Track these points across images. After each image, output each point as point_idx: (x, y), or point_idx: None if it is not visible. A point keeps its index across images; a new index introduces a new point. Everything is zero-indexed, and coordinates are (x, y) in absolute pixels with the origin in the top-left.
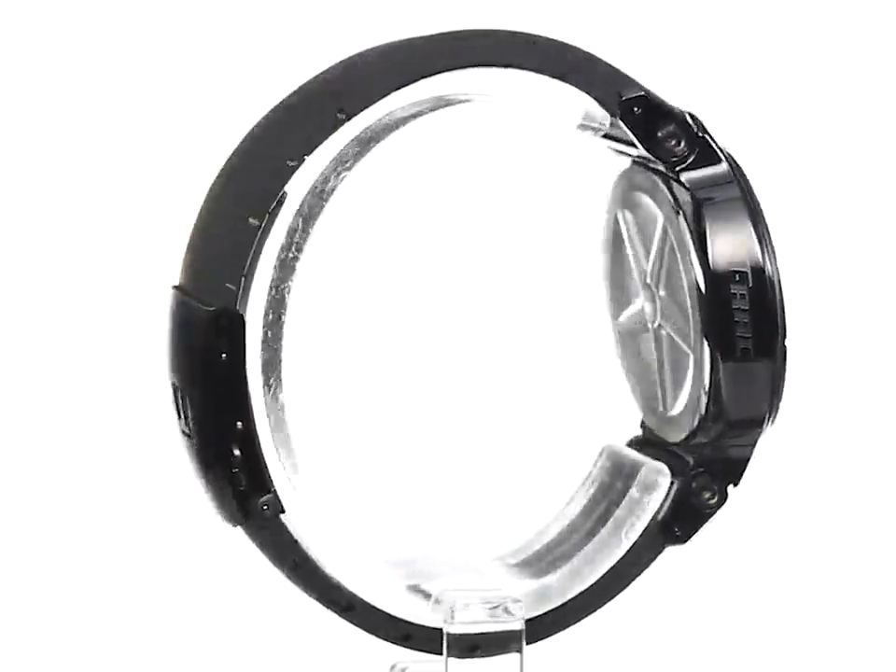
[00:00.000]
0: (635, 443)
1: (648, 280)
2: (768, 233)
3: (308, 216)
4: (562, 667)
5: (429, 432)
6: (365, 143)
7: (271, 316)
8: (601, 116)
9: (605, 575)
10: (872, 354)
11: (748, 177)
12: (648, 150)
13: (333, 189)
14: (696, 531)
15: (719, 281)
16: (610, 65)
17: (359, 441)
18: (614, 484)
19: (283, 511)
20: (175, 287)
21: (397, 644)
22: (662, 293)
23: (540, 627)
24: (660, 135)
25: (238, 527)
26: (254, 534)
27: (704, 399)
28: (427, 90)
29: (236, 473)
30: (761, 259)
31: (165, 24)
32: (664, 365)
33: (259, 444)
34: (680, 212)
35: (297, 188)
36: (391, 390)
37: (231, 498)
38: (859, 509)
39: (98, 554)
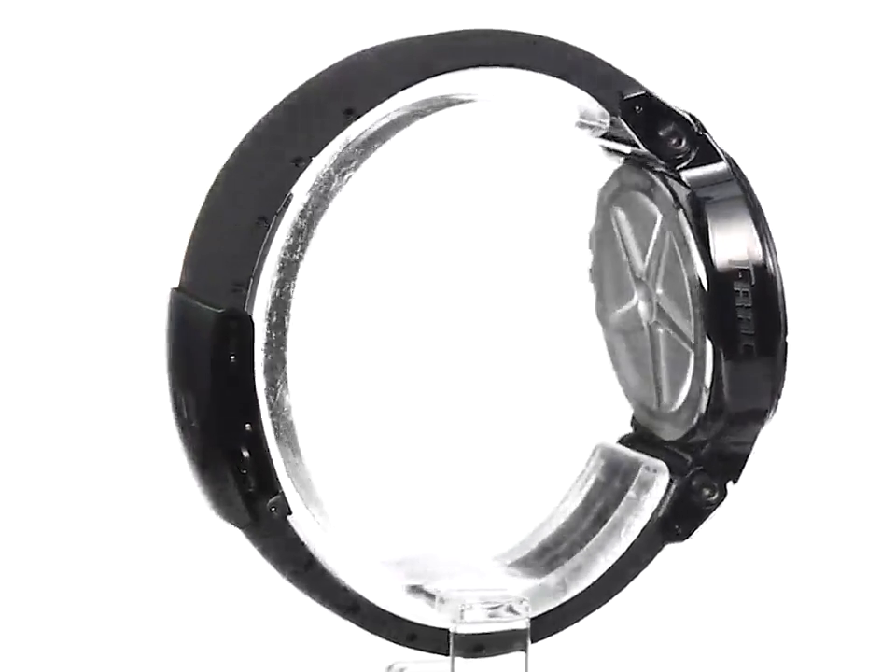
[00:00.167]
0: (626, 441)
1: (643, 278)
2: (769, 231)
3: (312, 216)
4: (564, 666)
5: (428, 432)
6: (369, 143)
7: (275, 318)
8: (599, 115)
9: (605, 573)
10: (870, 352)
11: (746, 176)
12: (649, 149)
13: (337, 190)
14: (696, 528)
15: (722, 279)
16: (610, 65)
17: (350, 439)
18: (611, 483)
19: (290, 513)
20: (177, 289)
21: (401, 644)
22: (659, 291)
23: (542, 626)
24: (661, 134)
25: (242, 529)
26: (261, 536)
27: (705, 397)
28: (432, 89)
29: (245, 475)
30: (763, 257)
31: (165, 24)
32: (659, 363)
33: (267, 446)
34: (681, 210)
35: (301, 188)
36: (388, 387)
37: (240, 501)
38: (857, 506)
39: (97, 557)
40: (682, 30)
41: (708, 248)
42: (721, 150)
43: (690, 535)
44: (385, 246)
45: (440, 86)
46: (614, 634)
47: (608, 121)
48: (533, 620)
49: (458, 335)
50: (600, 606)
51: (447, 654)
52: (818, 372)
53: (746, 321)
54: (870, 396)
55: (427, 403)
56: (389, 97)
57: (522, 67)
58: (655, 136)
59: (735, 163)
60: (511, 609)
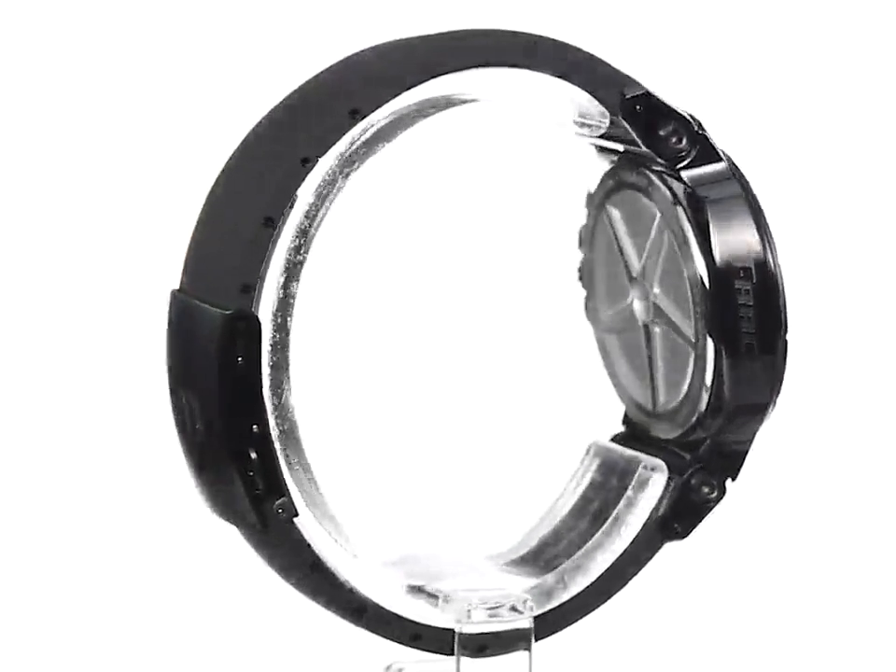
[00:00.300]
0: (620, 439)
1: (639, 277)
2: (769, 229)
3: (315, 216)
4: (567, 665)
5: (427, 432)
6: (372, 143)
7: (279, 319)
8: (599, 114)
9: (604, 572)
10: (870, 350)
11: (745, 176)
12: (649, 148)
13: (340, 190)
14: (695, 526)
15: (723, 277)
16: (610, 65)
17: (350, 438)
18: (607, 482)
19: (297, 515)
20: (179, 291)
21: (406, 645)
22: (656, 290)
23: (543, 625)
24: (661, 133)
25: (247, 531)
26: (267, 538)
27: (705, 395)
28: (435, 90)
29: (252, 477)
30: (764, 255)
31: (164, 24)
32: (656, 361)
33: (274, 447)
34: (681, 209)
35: (305, 188)
36: (387, 387)
37: (247, 503)
38: (857, 503)
39: (97, 557)
40: (682, 30)
41: (709, 246)
42: (721, 150)
43: (689, 533)
44: (385, 246)
45: (442, 86)
46: (617, 632)
47: (607, 121)
48: (534, 619)
49: (467, 334)
50: (601, 604)
51: (450, 654)
52: (818, 370)
53: (747, 319)
54: (870, 394)
55: (427, 403)
56: (394, 97)
57: (522, 67)
58: (655, 135)
59: (733, 163)
60: (514, 609)
